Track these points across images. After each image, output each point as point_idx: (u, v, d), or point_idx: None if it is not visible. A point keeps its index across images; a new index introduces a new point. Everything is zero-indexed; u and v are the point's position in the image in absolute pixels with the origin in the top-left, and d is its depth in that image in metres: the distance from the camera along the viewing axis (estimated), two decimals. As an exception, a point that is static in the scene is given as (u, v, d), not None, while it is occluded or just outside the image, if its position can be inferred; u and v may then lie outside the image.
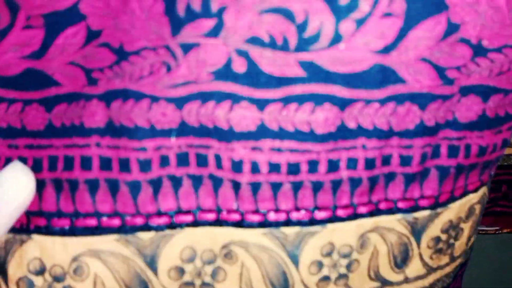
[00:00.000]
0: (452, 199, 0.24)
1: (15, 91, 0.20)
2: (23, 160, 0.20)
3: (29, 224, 0.21)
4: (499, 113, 0.22)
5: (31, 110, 0.20)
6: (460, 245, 0.26)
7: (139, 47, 0.19)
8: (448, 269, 0.26)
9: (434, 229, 0.24)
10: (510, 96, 0.22)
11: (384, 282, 0.24)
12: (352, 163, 0.21)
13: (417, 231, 0.24)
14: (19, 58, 0.19)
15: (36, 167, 0.20)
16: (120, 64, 0.19)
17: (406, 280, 0.25)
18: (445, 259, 0.26)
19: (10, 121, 0.20)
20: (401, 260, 0.24)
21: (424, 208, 0.23)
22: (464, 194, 0.24)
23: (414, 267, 0.25)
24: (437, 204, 0.23)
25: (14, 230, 0.21)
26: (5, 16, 0.18)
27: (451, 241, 0.25)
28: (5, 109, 0.20)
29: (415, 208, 0.23)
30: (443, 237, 0.24)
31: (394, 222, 0.23)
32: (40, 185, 0.21)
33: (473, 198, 0.25)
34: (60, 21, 0.18)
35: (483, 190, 0.26)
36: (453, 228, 0.25)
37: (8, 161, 0.20)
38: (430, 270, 0.25)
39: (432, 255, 0.25)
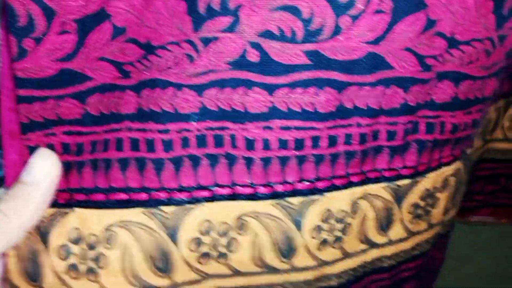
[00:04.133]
0: (429, 169, 0.27)
1: (49, 90, 0.21)
2: (65, 146, 0.22)
3: (71, 199, 0.23)
4: (469, 96, 0.26)
5: (65, 103, 0.22)
6: (437, 213, 0.29)
7: (165, 42, 0.21)
8: (426, 235, 0.30)
9: (413, 196, 0.28)
10: (478, 82, 0.26)
11: (372, 244, 0.28)
12: (348, 139, 0.24)
13: (399, 197, 0.27)
14: (53, 61, 0.21)
15: (77, 151, 0.22)
16: (148, 57, 0.21)
17: (390, 242, 0.28)
18: (423, 225, 0.29)
19: (45, 115, 0.22)
20: (385, 224, 0.27)
21: (405, 177, 0.27)
22: (439, 166, 0.28)
23: (397, 231, 0.28)
24: (416, 173, 0.27)
25: (59, 205, 0.23)
26: (42, 23, 0.20)
27: (428, 208, 0.29)
28: (40, 106, 0.21)
29: (398, 177, 0.26)
30: (421, 203, 0.28)
31: (380, 190, 0.26)
32: (81, 166, 0.23)
33: (447, 170, 0.28)
34: (90, 23, 0.20)
35: (457, 165, 0.29)
36: (430, 196, 0.28)
37: (48, 147, 0.22)
38: (410, 234, 0.29)
39: (412, 220, 0.28)
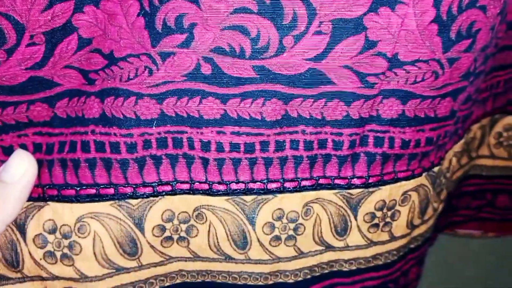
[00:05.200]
0: (383, 182, 0.29)
1: (20, 95, 0.24)
2: (36, 145, 0.25)
3: (44, 194, 0.26)
4: (418, 114, 0.27)
5: (35, 107, 0.24)
6: (399, 226, 0.31)
7: (126, 54, 0.24)
8: (389, 246, 0.31)
9: (368, 206, 0.29)
10: (427, 102, 0.27)
11: (328, 246, 0.30)
12: (294, 144, 0.27)
13: (353, 205, 0.29)
14: (23, 70, 0.23)
15: (47, 150, 0.26)
16: (111, 67, 0.24)
17: (347, 248, 0.30)
18: (384, 236, 0.31)
19: (17, 118, 0.25)
20: (341, 229, 0.29)
21: (357, 186, 0.29)
22: (395, 180, 0.29)
23: (354, 237, 0.30)
24: (368, 184, 0.29)
25: (33, 199, 0.26)
26: (12, 37, 0.22)
27: (387, 219, 0.30)
28: (13, 111, 0.24)
29: (349, 186, 0.28)
30: (378, 214, 0.30)
31: (333, 196, 0.29)
32: (51, 164, 0.26)
33: (405, 185, 0.30)
34: (57, 35, 0.23)
35: (419, 181, 0.30)
36: (388, 208, 0.30)
37: (21, 147, 0.25)
38: (371, 243, 0.31)
39: (369, 229, 0.30)
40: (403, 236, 0.32)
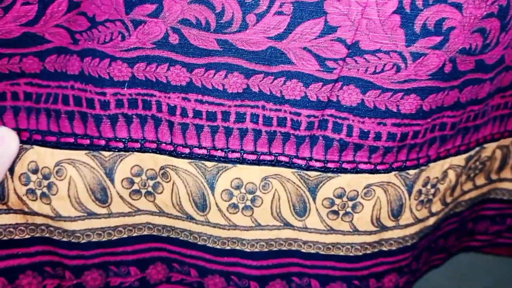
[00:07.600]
0: (342, 169, 0.29)
1: (14, 48, 0.27)
2: (27, 94, 0.28)
3: (31, 138, 0.29)
4: (378, 106, 0.27)
5: (28, 60, 0.27)
6: (361, 220, 0.31)
7: (104, 19, 0.26)
8: (352, 239, 0.31)
9: (327, 191, 0.30)
10: (387, 94, 0.27)
11: (286, 223, 0.31)
12: (254, 118, 0.28)
13: (311, 188, 0.30)
14: (18, 25, 0.26)
15: (36, 99, 0.29)
16: (92, 30, 0.27)
17: (306, 229, 0.31)
18: (345, 226, 0.31)
19: (10, 68, 0.27)
20: (300, 210, 0.30)
21: (315, 169, 0.29)
22: (356, 170, 0.29)
23: (313, 220, 0.30)
24: (326, 168, 0.29)
25: (22, 141, 0.29)
26: None
27: (348, 209, 0.30)
28: (7, 61, 0.27)
29: (308, 167, 0.29)
30: (337, 201, 0.30)
31: (291, 175, 0.30)
32: (38, 112, 0.29)
33: (369, 178, 0.30)
34: None
35: (388, 178, 0.30)
36: (348, 198, 0.30)
37: (13, 94, 0.28)
38: (330, 229, 0.31)
39: (328, 215, 0.30)
40: (368, 232, 0.31)
